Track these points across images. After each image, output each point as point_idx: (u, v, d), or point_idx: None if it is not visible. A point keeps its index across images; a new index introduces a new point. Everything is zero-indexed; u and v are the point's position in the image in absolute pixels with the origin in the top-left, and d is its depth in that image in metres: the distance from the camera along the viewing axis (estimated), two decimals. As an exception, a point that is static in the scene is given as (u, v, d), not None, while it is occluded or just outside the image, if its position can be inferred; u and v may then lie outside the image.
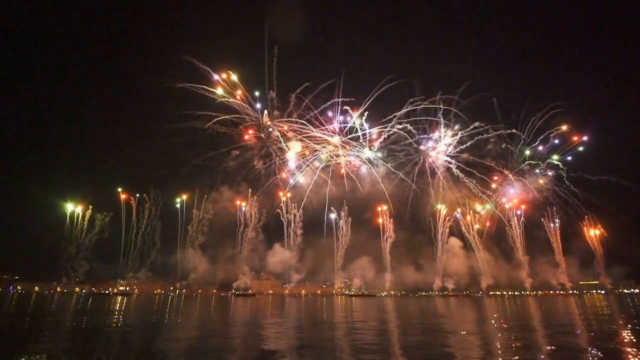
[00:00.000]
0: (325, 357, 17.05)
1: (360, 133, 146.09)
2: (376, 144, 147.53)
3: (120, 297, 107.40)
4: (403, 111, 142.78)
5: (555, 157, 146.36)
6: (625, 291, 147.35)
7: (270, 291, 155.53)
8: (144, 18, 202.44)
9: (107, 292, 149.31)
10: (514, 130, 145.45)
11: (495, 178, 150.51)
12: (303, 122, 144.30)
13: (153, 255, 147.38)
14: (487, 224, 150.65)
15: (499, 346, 19.61)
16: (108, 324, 29.78)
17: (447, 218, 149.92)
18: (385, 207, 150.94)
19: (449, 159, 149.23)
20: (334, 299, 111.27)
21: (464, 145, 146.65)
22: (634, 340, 21.45)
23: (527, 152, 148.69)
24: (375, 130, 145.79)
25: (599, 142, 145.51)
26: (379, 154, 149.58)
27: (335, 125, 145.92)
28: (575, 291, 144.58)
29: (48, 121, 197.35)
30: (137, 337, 22.92)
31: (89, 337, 22.17)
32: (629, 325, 29.17)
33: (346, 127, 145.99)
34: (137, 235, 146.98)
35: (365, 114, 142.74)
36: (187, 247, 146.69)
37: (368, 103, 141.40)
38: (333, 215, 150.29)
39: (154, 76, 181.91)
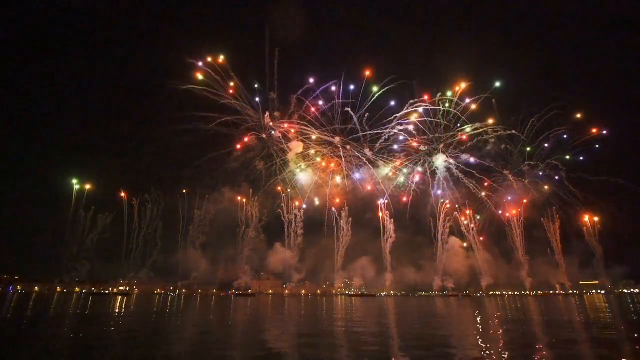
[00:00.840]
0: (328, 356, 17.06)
1: (361, 134, 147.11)
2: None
3: (120, 297, 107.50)
4: (403, 112, 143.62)
5: (565, 156, 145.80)
6: (625, 291, 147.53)
7: (270, 291, 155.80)
8: (145, 19, 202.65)
9: (107, 292, 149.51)
10: (513, 132, 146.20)
11: (486, 184, 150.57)
12: (304, 123, 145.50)
13: (154, 256, 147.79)
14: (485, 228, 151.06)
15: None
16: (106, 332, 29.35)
17: (447, 218, 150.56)
18: (385, 208, 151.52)
19: (449, 159, 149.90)
20: (333, 299, 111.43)
21: (464, 146, 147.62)
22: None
23: (528, 149, 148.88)
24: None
25: (598, 142, 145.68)
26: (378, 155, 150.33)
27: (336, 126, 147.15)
28: (575, 291, 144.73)
29: (49, 121, 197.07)
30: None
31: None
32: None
33: (347, 128, 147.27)
34: (138, 236, 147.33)
35: (366, 115, 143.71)
36: (188, 247, 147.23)
37: (368, 104, 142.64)
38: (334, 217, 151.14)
39: (155, 77, 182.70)
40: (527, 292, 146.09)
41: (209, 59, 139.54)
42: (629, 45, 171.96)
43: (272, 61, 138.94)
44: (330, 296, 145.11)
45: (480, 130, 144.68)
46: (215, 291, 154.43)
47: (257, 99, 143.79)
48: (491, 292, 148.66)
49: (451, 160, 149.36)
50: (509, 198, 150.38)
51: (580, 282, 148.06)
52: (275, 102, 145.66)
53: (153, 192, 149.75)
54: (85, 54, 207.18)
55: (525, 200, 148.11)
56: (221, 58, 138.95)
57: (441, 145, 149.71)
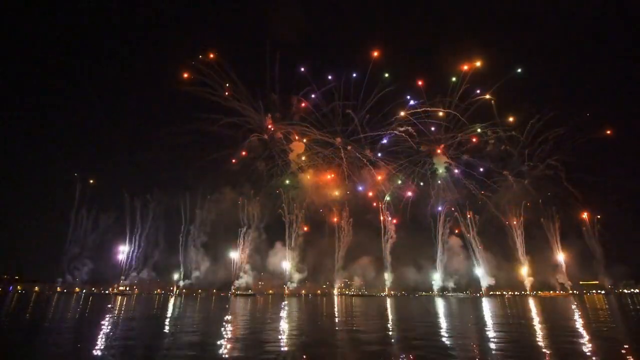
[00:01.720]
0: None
1: (362, 135, 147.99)
2: None
3: (120, 297, 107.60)
4: (404, 113, 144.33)
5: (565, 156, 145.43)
6: (625, 291, 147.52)
7: (270, 291, 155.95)
8: (147, 20, 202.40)
9: (107, 292, 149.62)
10: (513, 133, 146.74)
11: (486, 185, 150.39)
12: (306, 124, 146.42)
13: (156, 256, 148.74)
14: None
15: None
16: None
17: (447, 219, 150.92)
18: (384, 207, 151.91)
19: (449, 160, 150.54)
20: (334, 299, 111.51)
21: (464, 147, 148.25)
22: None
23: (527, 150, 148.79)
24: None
25: (598, 143, 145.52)
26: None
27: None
28: (575, 291, 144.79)
29: (51, 121, 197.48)
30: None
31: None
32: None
33: (348, 129, 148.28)
34: (140, 236, 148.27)
35: (367, 117, 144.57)
36: (189, 247, 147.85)
37: (368, 106, 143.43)
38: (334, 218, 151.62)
39: (158, 78, 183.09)
40: (527, 292, 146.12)
41: (211, 55, 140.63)
42: (629, 46, 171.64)
43: (273, 63, 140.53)
44: (330, 296, 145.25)
45: (481, 131, 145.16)
46: (215, 291, 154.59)
47: (260, 101, 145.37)
48: (491, 292, 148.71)
49: (451, 161, 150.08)
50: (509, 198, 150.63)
51: (580, 282, 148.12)
52: (277, 103, 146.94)
53: (155, 193, 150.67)
54: (88, 53, 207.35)
55: (524, 201, 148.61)
56: (222, 59, 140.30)
57: (441, 146, 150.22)
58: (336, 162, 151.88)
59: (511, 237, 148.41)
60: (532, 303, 78.64)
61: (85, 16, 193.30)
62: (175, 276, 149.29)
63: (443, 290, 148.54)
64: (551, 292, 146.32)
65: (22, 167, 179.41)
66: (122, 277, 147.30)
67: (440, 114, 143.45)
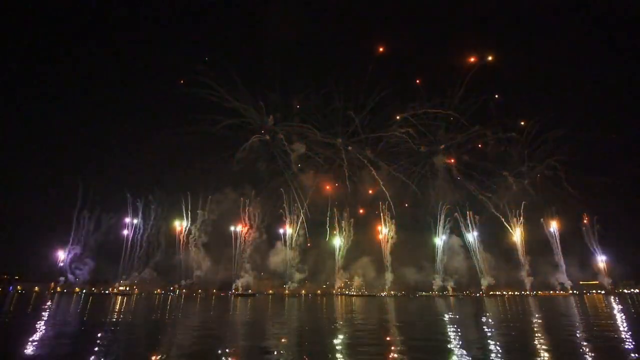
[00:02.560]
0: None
1: (363, 136, 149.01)
2: None
3: (120, 298, 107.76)
4: (404, 115, 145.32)
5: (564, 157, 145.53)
6: (625, 291, 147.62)
7: (270, 291, 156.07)
8: (149, 21, 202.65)
9: (107, 292, 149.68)
10: (513, 134, 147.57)
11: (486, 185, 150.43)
12: (307, 126, 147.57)
13: (158, 256, 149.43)
14: None
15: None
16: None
17: (447, 219, 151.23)
18: (385, 207, 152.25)
19: (449, 161, 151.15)
20: (333, 299, 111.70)
21: (464, 148, 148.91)
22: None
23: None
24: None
25: (597, 143, 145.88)
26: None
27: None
28: (575, 291, 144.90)
29: (54, 121, 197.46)
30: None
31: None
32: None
33: (348, 130, 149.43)
34: (142, 236, 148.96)
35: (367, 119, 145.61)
36: (190, 247, 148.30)
37: (369, 107, 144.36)
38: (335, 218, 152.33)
39: (160, 79, 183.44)
40: (527, 292, 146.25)
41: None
42: (627, 47, 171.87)
43: (275, 64, 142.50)
44: (330, 296, 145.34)
45: (480, 132, 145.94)
46: (215, 291, 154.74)
47: (261, 102, 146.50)
48: (491, 292, 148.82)
49: (451, 162, 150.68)
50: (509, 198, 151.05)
51: (580, 282, 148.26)
52: (278, 105, 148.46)
53: (157, 193, 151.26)
54: (91, 54, 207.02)
55: (524, 202, 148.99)
56: (225, 60, 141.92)
57: (442, 146, 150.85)
58: (337, 162, 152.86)
59: (511, 237, 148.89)
60: (532, 303, 78.69)
61: (87, 17, 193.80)
62: (176, 276, 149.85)
63: (443, 290, 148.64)
64: (551, 292, 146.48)
65: (23, 167, 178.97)
66: (124, 277, 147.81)
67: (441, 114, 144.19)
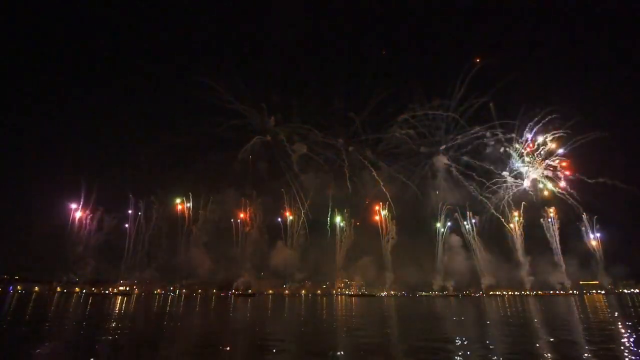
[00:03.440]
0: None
1: (363, 137, 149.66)
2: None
3: (120, 298, 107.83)
4: (404, 116, 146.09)
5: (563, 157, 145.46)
6: (625, 291, 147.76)
7: (270, 291, 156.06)
8: (150, 23, 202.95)
9: (107, 292, 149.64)
10: (513, 135, 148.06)
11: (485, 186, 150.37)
12: (308, 127, 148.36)
13: (159, 256, 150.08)
14: None
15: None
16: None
17: (448, 219, 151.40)
18: (385, 208, 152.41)
19: (449, 162, 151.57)
20: (333, 299, 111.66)
21: (464, 149, 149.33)
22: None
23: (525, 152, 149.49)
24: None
25: (596, 143, 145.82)
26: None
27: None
28: (575, 291, 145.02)
29: (57, 122, 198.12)
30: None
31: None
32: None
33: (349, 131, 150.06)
34: (144, 237, 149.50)
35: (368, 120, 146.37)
36: (191, 247, 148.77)
37: (369, 108, 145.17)
38: (336, 218, 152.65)
39: (163, 81, 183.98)
40: (527, 292, 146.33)
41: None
42: (627, 47, 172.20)
43: (277, 66, 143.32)
44: (330, 296, 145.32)
45: (480, 133, 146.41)
46: (215, 291, 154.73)
47: (262, 103, 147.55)
48: (491, 292, 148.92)
49: (451, 162, 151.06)
50: (508, 199, 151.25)
51: (580, 282, 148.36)
52: (279, 106, 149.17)
53: (159, 194, 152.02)
54: (94, 56, 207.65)
55: (524, 202, 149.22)
56: (228, 62, 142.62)
57: (442, 147, 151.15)
58: (337, 163, 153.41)
59: (511, 237, 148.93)
60: (532, 303, 78.71)
61: (89, 18, 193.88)
62: (177, 276, 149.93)
63: (443, 290, 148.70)
64: (551, 292, 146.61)
65: (24, 167, 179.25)
66: (125, 277, 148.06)
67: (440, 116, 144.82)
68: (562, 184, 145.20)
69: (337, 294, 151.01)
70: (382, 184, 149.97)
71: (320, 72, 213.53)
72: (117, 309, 51.31)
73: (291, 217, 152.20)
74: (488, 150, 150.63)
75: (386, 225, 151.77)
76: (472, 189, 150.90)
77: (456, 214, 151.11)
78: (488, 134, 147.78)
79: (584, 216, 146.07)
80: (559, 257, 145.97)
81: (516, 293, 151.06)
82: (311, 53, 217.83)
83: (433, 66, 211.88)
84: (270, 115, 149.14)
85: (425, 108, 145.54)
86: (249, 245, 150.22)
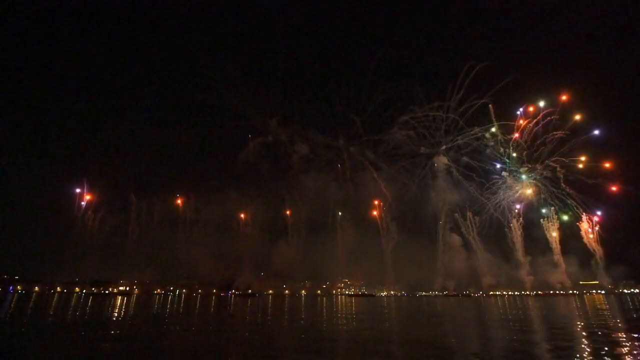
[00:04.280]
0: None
1: (364, 138, 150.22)
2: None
3: (120, 298, 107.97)
4: (404, 118, 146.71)
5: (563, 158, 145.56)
6: (625, 291, 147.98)
7: (270, 291, 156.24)
8: (151, 23, 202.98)
9: (107, 292, 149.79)
10: (512, 136, 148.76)
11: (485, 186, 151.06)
12: (310, 128, 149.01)
13: (160, 256, 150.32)
14: None
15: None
16: None
17: (448, 219, 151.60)
18: (386, 208, 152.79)
19: (449, 162, 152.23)
20: (333, 299, 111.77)
21: (463, 150, 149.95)
22: None
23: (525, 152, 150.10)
24: None
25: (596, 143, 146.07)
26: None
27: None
28: (575, 291, 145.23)
29: (59, 123, 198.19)
30: None
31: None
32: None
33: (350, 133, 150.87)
34: (146, 237, 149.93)
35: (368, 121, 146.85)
36: (192, 247, 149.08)
37: (370, 110, 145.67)
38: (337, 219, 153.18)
39: (166, 82, 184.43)
40: (527, 292, 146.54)
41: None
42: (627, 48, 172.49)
43: (278, 67, 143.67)
44: (331, 296, 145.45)
45: (479, 135, 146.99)
46: (215, 291, 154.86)
47: (264, 105, 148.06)
48: (491, 292, 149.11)
49: (451, 163, 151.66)
50: (508, 199, 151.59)
51: (580, 282, 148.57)
52: (281, 107, 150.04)
53: (161, 194, 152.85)
54: (95, 57, 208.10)
55: (524, 202, 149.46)
56: (230, 64, 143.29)
57: (442, 148, 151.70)
58: (338, 164, 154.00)
59: (511, 237, 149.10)
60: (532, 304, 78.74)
61: (90, 18, 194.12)
62: (177, 276, 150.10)
63: (443, 290, 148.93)
64: (551, 291, 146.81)
65: (25, 167, 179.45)
66: (125, 277, 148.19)
67: (440, 117, 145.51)
68: (562, 184, 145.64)
69: (337, 294, 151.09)
70: (382, 184, 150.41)
71: (320, 73, 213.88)
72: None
73: (292, 218, 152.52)
74: (488, 150, 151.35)
75: (387, 226, 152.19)
76: (472, 189, 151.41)
77: (456, 214, 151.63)
78: (488, 134, 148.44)
79: (584, 216, 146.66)
80: (558, 257, 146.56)
81: (516, 293, 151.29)
82: (312, 55, 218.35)
83: (433, 68, 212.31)
84: (271, 116, 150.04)
85: (425, 109, 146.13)
86: (249, 245, 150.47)
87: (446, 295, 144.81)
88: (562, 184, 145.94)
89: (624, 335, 21.92)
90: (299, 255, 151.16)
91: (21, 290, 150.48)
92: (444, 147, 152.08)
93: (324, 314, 44.62)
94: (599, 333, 22.93)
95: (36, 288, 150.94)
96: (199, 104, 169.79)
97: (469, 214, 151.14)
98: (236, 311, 48.87)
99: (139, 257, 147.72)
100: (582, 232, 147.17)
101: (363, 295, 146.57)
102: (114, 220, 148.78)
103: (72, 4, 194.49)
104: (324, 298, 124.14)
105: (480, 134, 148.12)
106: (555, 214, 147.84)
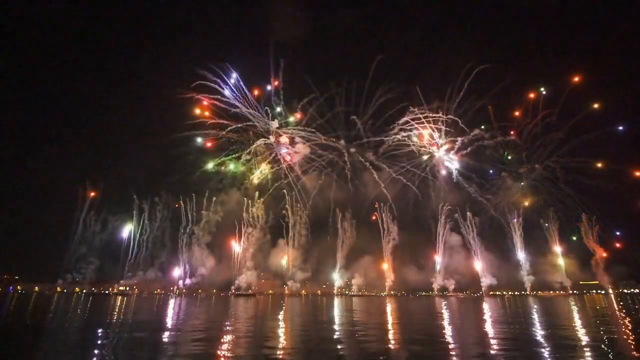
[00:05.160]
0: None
1: (365, 139, 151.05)
2: None
3: (120, 298, 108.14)
4: (404, 119, 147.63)
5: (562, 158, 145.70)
6: (625, 291, 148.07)
7: (270, 291, 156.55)
8: (153, 24, 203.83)
9: (107, 292, 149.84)
10: (511, 138, 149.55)
11: (485, 187, 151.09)
12: (311, 130, 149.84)
13: (163, 256, 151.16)
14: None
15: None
16: None
17: (448, 220, 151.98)
18: (386, 209, 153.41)
19: (449, 163, 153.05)
20: (334, 299, 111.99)
21: (463, 151, 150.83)
22: None
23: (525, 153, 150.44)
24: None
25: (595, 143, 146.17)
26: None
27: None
28: (575, 291, 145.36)
29: (61, 123, 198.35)
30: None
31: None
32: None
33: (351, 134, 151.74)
34: (148, 237, 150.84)
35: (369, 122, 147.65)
36: (193, 247, 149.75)
37: (370, 111, 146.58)
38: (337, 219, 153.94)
39: (166, 84, 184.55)
40: (527, 292, 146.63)
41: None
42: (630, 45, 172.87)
43: (277, 68, 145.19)
44: (331, 296, 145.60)
45: (479, 136, 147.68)
46: (215, 291, 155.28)
47: (266, 106, 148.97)
48: (491, 292, 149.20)
49: (451, 164, 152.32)
50: (508, 201, 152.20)
51: (580, 282, 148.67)
52: (282, 108, 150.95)
53: (163, 195, 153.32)
54: (97, 57, 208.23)
55: (523, 203, 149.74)
56: (228, 65, 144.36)
57: (442, 149, 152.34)
58: (339, 165, 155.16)
59: (511, 237, 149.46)
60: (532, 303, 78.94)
61: (92, 18, 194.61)
62: (178, 276, 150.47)
63: (443, 290, 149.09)
64: (551, 292, 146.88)
65: (25, 167, 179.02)
66: (127, 276, 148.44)
67: (440, 119, 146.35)
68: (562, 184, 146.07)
69: (337, 294, 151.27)
70: (383, 185, 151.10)
71: (321, 75, 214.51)
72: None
73: (293, 218, 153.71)
74: (487, 152, 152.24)
75: (387, 226, 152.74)
76: (472, 189, 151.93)
77: (456, 214, 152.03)
78: (487, 135, 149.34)
79: (584, 216, 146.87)
80: (557, 257, 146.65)
81: (516, 293, 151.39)
82: (313, 56, 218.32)
83: (432, 69, 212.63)
84: (273, 118, 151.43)
85: (425, 111, 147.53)
86: (250, 245, 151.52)
87: (446, 295, 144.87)
88: (562, 185, 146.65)
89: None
90: (299, 256, 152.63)
91: (21, 290, 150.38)
92: (444, 148, 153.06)
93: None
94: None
95: (36, 288, 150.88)
96: (202, 106, 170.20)
97: (469, 214, 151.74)
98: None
99: (142, 257, 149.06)
100: (582, 232, 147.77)
101: (363, 295, 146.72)
102: (117, 222, 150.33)
103: (76, 4, 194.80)
104: (324, 298, 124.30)
105: (480, 135, 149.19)
106: (556, 214, 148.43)
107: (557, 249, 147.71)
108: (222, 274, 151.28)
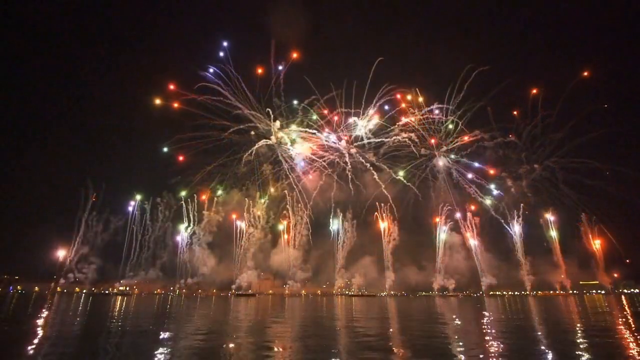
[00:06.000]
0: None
1: (365, 141, 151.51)
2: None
3: (120, 298, 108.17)
4: (404, 120, 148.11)
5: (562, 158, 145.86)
6: (625, 291, 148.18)
7: (270, 291, 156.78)
8: (154, 25, 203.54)
9: (107, 292, 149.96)
10: (510, 138, 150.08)
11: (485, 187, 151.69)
12: (312, 131, 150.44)
13: (164, 256, 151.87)
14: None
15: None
16: None
17: (448, 220, 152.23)
18: (387, 209, 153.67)
19: (449, 164, 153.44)
20: (334, 299, 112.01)
21: (463, 152, 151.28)
22: None
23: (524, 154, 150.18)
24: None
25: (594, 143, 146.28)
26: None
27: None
28: (575, 291, 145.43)
29: (63, 123, 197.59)
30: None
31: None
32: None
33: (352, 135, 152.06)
34: (150, 237, 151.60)
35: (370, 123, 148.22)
36: (194, 247, 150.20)
37: (371, 112, 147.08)
38: (338, 219, 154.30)
39: (165, 85, 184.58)
40: (527, 292, 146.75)
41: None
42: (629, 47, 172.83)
43: (278, 68, 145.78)
44: (330, 296, 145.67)
45: (479, 137, 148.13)
46: (215, 291, 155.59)
47: (267, 107, 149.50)
48: (491, 292, 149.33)
49: (451, 165, 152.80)
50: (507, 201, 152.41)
51: (580, 282, 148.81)
52: (282, 109, 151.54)
53: (164, 196, 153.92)
54: (98, 57, 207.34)
55: (523, 203, 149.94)
56: (229, 65, 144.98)
57: (442, 149, 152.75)
58: (340, 165, 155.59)
59: (510, 238, 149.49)
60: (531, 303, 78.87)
61: (93, 18, 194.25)
62: (178, 276, 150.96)
63: (443, 290, 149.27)
64: (551, 292, 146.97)
65: (27, 167, 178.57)
66: (128, 276, 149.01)
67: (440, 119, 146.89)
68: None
69: (337, 294, 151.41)
70: (383, 186, 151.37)
71: (321, 76, 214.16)
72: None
73: (294, 218, 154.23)
74: (487, 152, 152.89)
75: (388, 226, 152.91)
76: (472, 190, 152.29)
77: (456, 215, 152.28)
78: (487, 136, 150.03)
79: (584, 216, 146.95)
80: (558, 257, 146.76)
81: (516, 293, 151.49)
82: (313, 57, 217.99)
83: (432, 70, 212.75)
84: (274, 118, 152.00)
85: (425, 112, 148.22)
86: (251, 245, 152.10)
87: (446, 295, 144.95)
88: (562, 185, 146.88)
89: None
90: (300, 256, 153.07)
91: (21, 290, 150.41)
92: (444, 148, 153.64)
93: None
94: None
95: (36, 288, 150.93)
96: (203, 106, 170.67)
97: (469, 214, 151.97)
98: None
99: (143, 257, 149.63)
100: (582, 232, 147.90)
101: (363, 295, 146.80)
102: (119, 222, 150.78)
103: (76, 5, 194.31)
104: (324, 298, 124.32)
105: (479, 136, 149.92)
106: (556, 214, 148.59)
107: (557, 248, 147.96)
108: (223, 274, 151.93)
